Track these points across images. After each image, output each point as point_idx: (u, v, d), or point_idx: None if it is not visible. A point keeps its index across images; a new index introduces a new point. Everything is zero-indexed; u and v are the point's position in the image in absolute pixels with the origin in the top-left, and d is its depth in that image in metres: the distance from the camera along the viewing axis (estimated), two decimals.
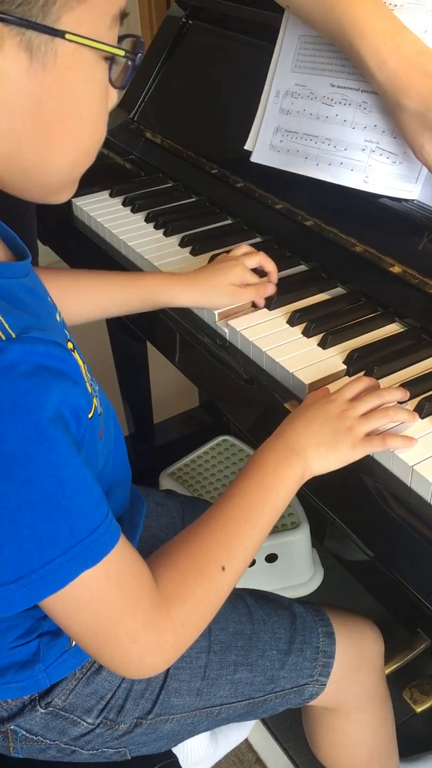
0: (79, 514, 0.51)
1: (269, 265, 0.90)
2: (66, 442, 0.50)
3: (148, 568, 0.57)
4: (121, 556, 0.54)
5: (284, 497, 0.65)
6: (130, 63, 0.53)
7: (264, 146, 0.99)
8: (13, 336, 0.49)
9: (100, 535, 0.52)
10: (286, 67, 0.95)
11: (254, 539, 0.63)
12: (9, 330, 0.49)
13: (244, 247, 0.92)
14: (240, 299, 0.86)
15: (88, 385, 0.60)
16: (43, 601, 0.52)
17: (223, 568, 0.60)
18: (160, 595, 0.57)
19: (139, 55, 0.53)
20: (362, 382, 0.70)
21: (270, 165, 0.98)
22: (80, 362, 0.60)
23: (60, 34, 0.48)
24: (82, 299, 0.85)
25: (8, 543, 0.48)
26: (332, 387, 0.73)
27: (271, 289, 0.87)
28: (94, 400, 0.61)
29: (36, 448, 0.48)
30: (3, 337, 0.48)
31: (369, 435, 0.66)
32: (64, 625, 0.55)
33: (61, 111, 0.51)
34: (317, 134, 0.91)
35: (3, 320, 0.49)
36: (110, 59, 0.52)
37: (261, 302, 0.87)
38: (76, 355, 0.62)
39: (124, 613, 0.54)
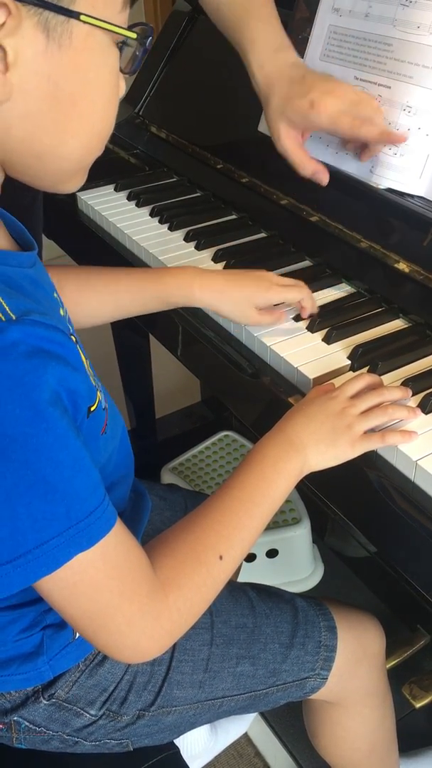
0: (76, 497, 0.51)
1: (308, 304, 0.83)
2: (64, 425, 0.50)
3: (145, 555, 0.58)
4: (118, 540, 0.54)
5: (283, 491, 0.65)
6: (140, 48, 0.54)
7: None
8: (14, 318, 0.49)
9: (97, 518, 0.52)
10: (315, 54, 0.96)
11: (252, 531, 0.63)
12: (9, 312, 0.49)
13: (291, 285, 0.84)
14: (254, 322, 0.83)
15: (91, 378, 0.60)
16: (39, 584, 0.52)
17: (221, 557, 0.61)
18: (157, 581, 0.57)
19: (149, 39, 0.54)
20: (363, 379, 0.70)
21: None
22: (82, 357, 0.60)
23: (75, 15, 0.49)
24: (101, 298, 0.84)
25: (4, 523, 0.49)
26: (337, 382, 0.73)
27: (281, 318, 0.83)
28: (98, 393, 0.61)
29: (33, 429, 0.48)
30: (3, 318, 0.48)
31: (368, 432, 0.66)
32: (61, 608, 0.55)
33: (75, 94, 0.52)
34: None
35: (3, 302, 0.49)
36: (121, 44, 0.53)
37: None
38: (78, 350, 0.62)
39: (121, 597, 0.55)
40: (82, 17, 0.49)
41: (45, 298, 0.60)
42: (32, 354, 0.49)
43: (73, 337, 0.63)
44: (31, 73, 0.49)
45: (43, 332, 0.50)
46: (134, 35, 0.53)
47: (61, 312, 0.64)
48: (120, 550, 0.55)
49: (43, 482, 0.49)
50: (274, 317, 0.82)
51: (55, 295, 0.65)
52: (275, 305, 0.83)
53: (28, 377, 0.48)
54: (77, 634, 0.70)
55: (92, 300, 0.83)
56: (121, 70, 0.55)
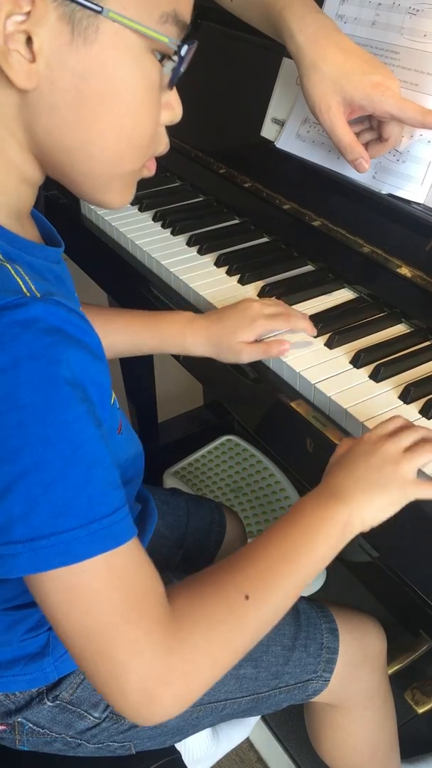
0: (99, 488, 0.48)
1: (301, 325, 0.81)
2: (84, 410, 0.48)
3: (159, 579, 0.53)
4: (132, 552, 0.51)
5: (326, 543, 0.58)
6: (175, 57, 0.54)
7: (291, 134, 1.00)
8: (38, 295, 0.49)
9: (120, 519, 0.49)
10: None
11: (288, 578, 0.56)
12: (34, 290, 0.49)
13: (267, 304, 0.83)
14: (246, 360, 0.80)
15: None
16: (38, 581, 0.49)
17: (247, 597, 0.54)
18: (170, 612, 0.52)
19: (186, 47, 0.54)
20: (394, 421, 0.65)
21: (294, 153, 0.99)
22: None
23: (101, 10, 0.49)
24: None
25: (19, 500, 0.47)
26: (341, 380, 0.73)
27: (282, 350, 0.78)
28: (113, 392, 0.61)
29: (52, 403, 0.47)
30: (27, 294, 0.48)
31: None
32: (54, 618, 0.50)
33: (102, 90, 0.52)
34: None
35: (29, 281, 0.50)
36: (161, 57, 0.53)
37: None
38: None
39: (125, 618, 0.50)
40: (110, 14, 0.49)
41: (68, 296, 0.60)
42: (53, 332, 0.48)
43: None
44: (57, 65, 0.50)
45: (65, 314, 0.50)
46: (165, 39, 0.52)
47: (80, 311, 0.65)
48: (132, 563, 0.51)
49: (63, 463, 0.47)
50: (261, 349, 0.79)
51: (77, 295, 0.66)
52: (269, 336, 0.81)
53: (48, 350, 0.47)
54: None
55: None
56: (170, 85, 0.55)
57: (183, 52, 0.54)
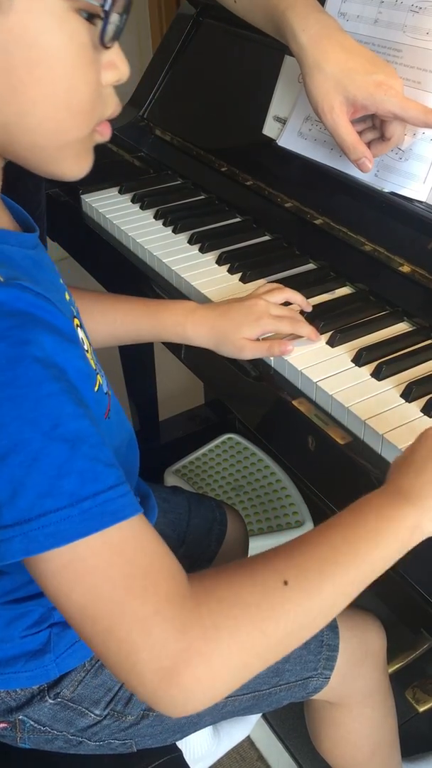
0: (88, 464, 0.46)
1: (296, 298, 0.84)
2: (60, 387, 0.47)
3: (172, 556, 0.51)
4: (138, 529, 0.49)
5: (389, 546, 0.53)
6: (107, 15, 0.50)
7: (292, 133, 1.00)
8: (1, 280, 0.47)
9: (118, 496, 0.47)
10: None
11: (338, 574, 0.51)
12: None
13: (271, 289, 0.84)
14: (248, 356, 0.80)
15: (91, 361, 0.60)
16: (35, 564, 0.47)
17: (286, 583, 0.50)
18: (187, 588, 0.49)
19: (109, 2, 0.49)
20: None
21: (295, 151, 0.99)
22: (84, 339, 0.60)
23: None
24: (96, 327, 0.82)
25: (4, 483, 0.45)
26: (342, 379, 0.73)
27: (285, 351, 0.78)
28: (98, 377, 0.61)
29: (22, 381, 0.45)
30: None
31: None
32: (58, 602, 0.48)
33: (28, 59, 0.49)
34: None
35: None
36: (87, 15, 0.50)
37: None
38: (81, 333, 0.62)
39: (129, 593, 0.47)
40: None
41: (48, 281, 0.59)
42: (18, 315, 0.47)
43: (77, 320, 0.62)
44: None
45: (32, 298, 0.48)
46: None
47: (66, 296, 0.64)
48: (133, 539, 0.49)
49: (43, 441, 0.45)
50: (264, 347, 0.79)
51: (61, 281, 0.65)
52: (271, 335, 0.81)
53: (12, 331, 0.46)
54: None
55: (87, 326, 0.81)
56: (103, 44, 0.51)
57: (107, 6, 0.50)
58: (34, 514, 0.45)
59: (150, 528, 0.50)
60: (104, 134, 0.57)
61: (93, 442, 0.48)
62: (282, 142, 1.01)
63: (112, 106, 0.56)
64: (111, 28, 0.51)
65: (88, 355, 0.61)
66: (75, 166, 0.56)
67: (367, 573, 0.52)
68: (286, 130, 1.01)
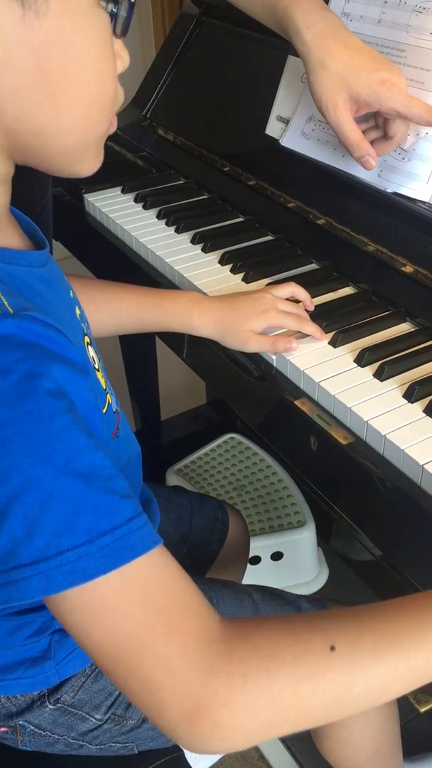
0: (103, 498, 0.45)
1: (301, 294, 0.85)
2: (71, 420, 0.46)
3: (200, 594, 0.48)
4: (160, 563, 0.47)
5: None
6: (126, 7, 0.50)
7: (296, 132, 1.00)
8: (11, 311, 0.47)
9: (137, 528, 0.46)
10: None
11: (394, 654, 0.47)
12: (7, 306, 0.47)
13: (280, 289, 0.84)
14: (252, 349, 0.80)
15: (101, 380, 0.59)
16: (57, 608, 0.46)
17: (333, 648, 0.46)
18: (222, 631, 0.46)
19: None
20: None
21: (298, 151, 0.99)
22: (95, 358, 0.59)
23: None
24: (100, 316, 0.82)
25: (20, 521, 0.44)
26: (345, 379, 0.73)
27: (289, 348, 0.78)
28: (108, 396, 0.60)
29: (33, 416, 0.44)
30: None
31: None
32: (78, 638, 0.46)
33: (63, 60, 0.49)
34: None
35: (2, 298, 0.47)
36: (106, 4, 0.50)
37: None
38: (91, 351, 0.62)
39: (151, 631, 0.45)
40: None
41: (58, 298, 0.59)
42: (27, 347, 0.46)
43: (87, 337, 0.62)
44: (14, 46, 0.47)
45: (42, 330, 0.47)
46: None
47: (77, 311, 0.63)
48: (155, 574, 0.47)
49: (56, 477, 0.44)
50: (268, 342, 0.79)
51: (72, 294, 0.64)
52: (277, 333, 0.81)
53: (21, 364, 0.45)
54: None
55: (92, 315, 0.79)
56: (115, 35, 0.52)
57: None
58: (51, 553, 0.44)
59: (173, 562, 0.48)
60: (114, 126, 0.57)
61: (107, 475, 0.46)
62: (285, 142, 1.01)
63: (122, 97, 0.56)
64: (126, 18, 0.51)
65: (99, 374, 0.61)
66: (95, 161, 0.56)
67: (422, 657, 0.47)
68: (289, 130, 1.01)
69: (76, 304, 0.64)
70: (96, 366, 0.61)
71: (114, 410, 0.61)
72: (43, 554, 0.44)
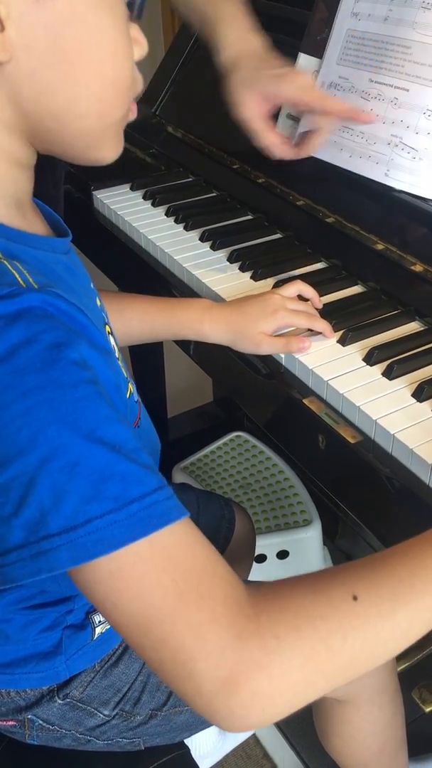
0: (130, 466, 0.45)
1: (309, 292, 0.85)
2: (95, 390, 0.45)
3: (225, 564, 0.48)
4: (188, 533, 0.47)
5: None
6: None
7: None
8: (35, 287, 0.47)
9: (164, 498, 0.45)
10: (332, 59, 0.96)
11: (412, 598, 0.48)
12: (31, 281, 0.47)
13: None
14: (265, 351, 0.80)
15: (122, 368, 0.59)
16: (84, 579, 0.45)
17: (355, 598, 0.46)
18: (249, 597, 0.46)
19: None
20: None
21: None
22: (115, 347, 0.59)
23: None
24: (112, 326, 0.83)
25: (47, 489, 0.43)
26: (354, 378, 0.72)
27: (302, 348, 0.78)
28: (130, 385, 0.60)
29: (58, 383, 0.44)
30: (24, 285, 0.46)
31: None
32: (106, 611, 0.46)
33: (78, 40, 0.49)
34: (353, 127, 0.92)
35: (28, 275, 0.48)
36: None
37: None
38: (112, 340, 0.62)
39: (181, 599, 0.44)
40: None
41: (80, 285, 0.59)
42: (50, 318, 0.46)
43: (108, 327, 0.62)
44: (28, 27, 0.47)
45: (65, 306, 0.47)
46: None
47: (98, 302, 0.64)
48: (182, 543, 0.46)
49: (83, 443, 0.44)
50: (281, 343, 0.79)
51: (93, 285, 0.64)
52: (288, 331, 0.81)
53: (46, 335, 0.45)
54: (95, 636, 0.70)
55: None
56: (137, 16, 0.52)
57: None
58: (80, 521, 0.43)
59: (199, 532, 0.48)
60: (134, 113, 0.58)
61: (132, 447, 0.46)
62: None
63: (140, 83, 0.56)
64: (140, 0, 0.52)
65: (119, 363, 0.61)
66: (115, 147, 0.56)
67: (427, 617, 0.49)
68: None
69: (97, 295, 0.64)
70: (117, 355, 0.61)
71: (136, 399, 0.62)
72: (72, 523, 0.43)
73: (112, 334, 0.63)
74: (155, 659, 0.45)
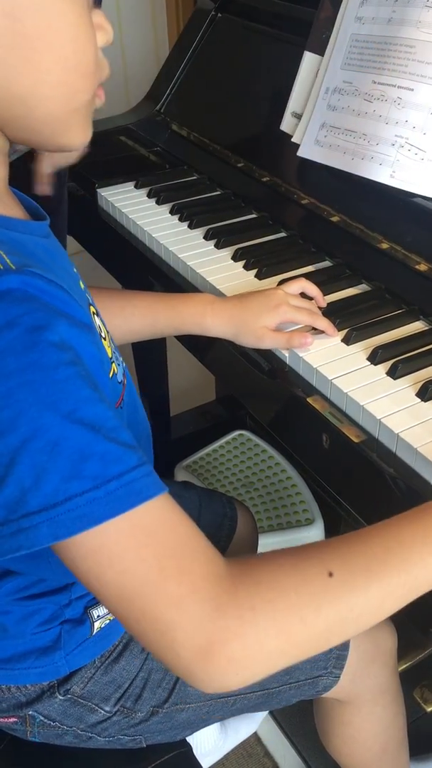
0: (109, 446, 0.46)
1: (313, 290, 0.85)
2: (75, 371, 0.46)
3: (204, 538, 0.50)
4: (167, 509, 0.48)
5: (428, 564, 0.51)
6: None
7: (310, 141, 0.99)
8: (13, 268, 0.47)
9: (143, 475, 0.46)
10: (336, 64, 0.96)
11: (386, 574, 0.50)
12: (9, 263, 0.47)
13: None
14: (267, 345, 0.81)
15: (108, 348, 0.59)
16: (65, 549, 0.47)
17: (331, 575, 0.49)
18: (227, 570, 0.48)
19: None
20: None
21: (313, 159, 0.98)
22: (101, 326, 0.59)
23: None
24: (114, 322, 0.82)
25: (27, 469, 0.45)
26: (358, 377, 0.72)
27: (305, 343, 0.78)
28: (114, 365, 0.60)
29: (38, 366, 0.45)
30: (1, 267, 0.47)
31: None
32: (90, 585, 0.48)
33: (37, 23, 0.49)
34: (356, 130, 0.92)
35: (4, 255, 0.48)
36: None
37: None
38: (98, 320, 0.62)
39: (162, 573, 0.46)
40: None
41: (60, 267, 0.59)
42: (30, 300, 0.47)
43: (93, 307, 0.62)
44: None
45: (44, 285, 0.48)
46: None
47: (81, 285, 0.64)
48: (162, 519, 0.48)
49: (63, 424, 0.45)
50: (284, 338, 0.79)
51: (75, 270, 0.65)
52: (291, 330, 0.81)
53: (26, 317, 0.45)
54: (94, 631, 0.71)
55: (106, 323, 0.82)
56: (97, 3, 0.52)
57: None
58: (60, 499, 0.45)
59: (179, 508, 0.49)
60: (102, 98, 0.58)
61: (111, 426, 0.47)
62: (301, 153, 1.00)
63: (106, 69, 0.56)
64: None
65: (105, 343, 0.61)
66: (81, 133, 0.56)
67: (422, 579, 0.51)
68: (305, 141, 1.00)
69: (80, 279, 0.64)
70: (102, 335, 0.61)
71: (119, 381, 0.62)
72: (52, 501, 0.45)
73: (97, 314, 0.63)
74: (138, 629, 0.47)
